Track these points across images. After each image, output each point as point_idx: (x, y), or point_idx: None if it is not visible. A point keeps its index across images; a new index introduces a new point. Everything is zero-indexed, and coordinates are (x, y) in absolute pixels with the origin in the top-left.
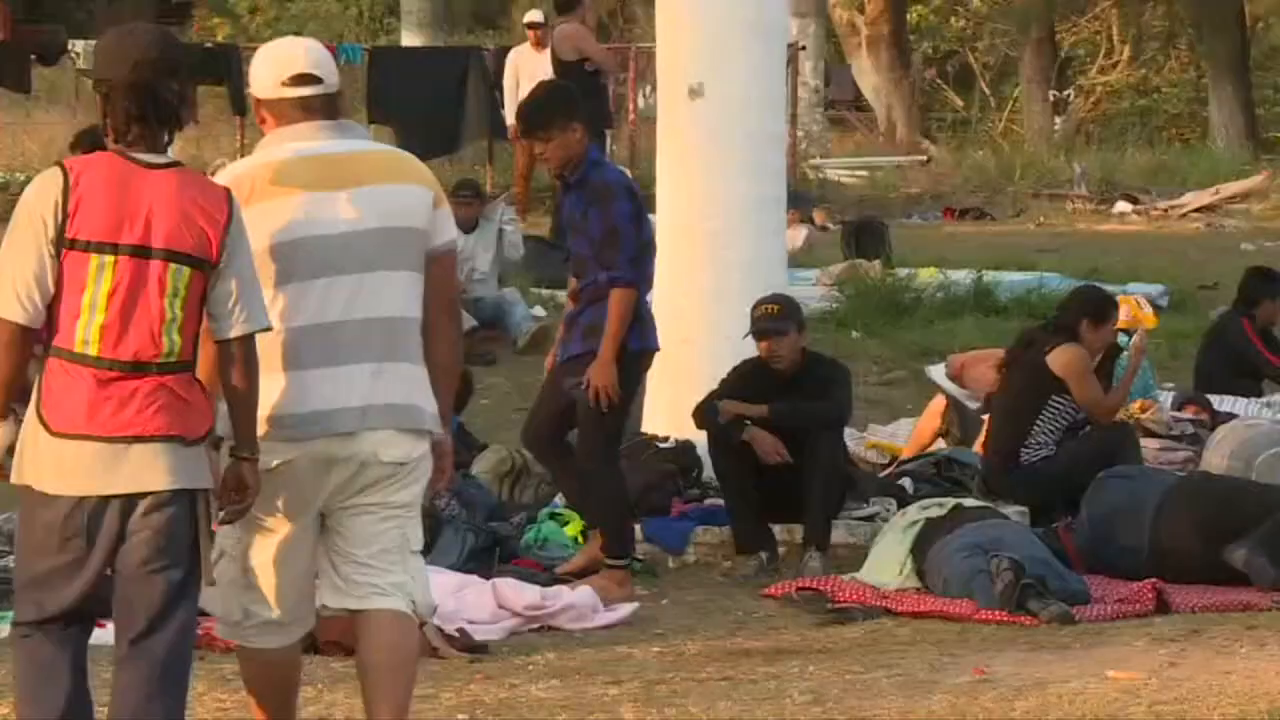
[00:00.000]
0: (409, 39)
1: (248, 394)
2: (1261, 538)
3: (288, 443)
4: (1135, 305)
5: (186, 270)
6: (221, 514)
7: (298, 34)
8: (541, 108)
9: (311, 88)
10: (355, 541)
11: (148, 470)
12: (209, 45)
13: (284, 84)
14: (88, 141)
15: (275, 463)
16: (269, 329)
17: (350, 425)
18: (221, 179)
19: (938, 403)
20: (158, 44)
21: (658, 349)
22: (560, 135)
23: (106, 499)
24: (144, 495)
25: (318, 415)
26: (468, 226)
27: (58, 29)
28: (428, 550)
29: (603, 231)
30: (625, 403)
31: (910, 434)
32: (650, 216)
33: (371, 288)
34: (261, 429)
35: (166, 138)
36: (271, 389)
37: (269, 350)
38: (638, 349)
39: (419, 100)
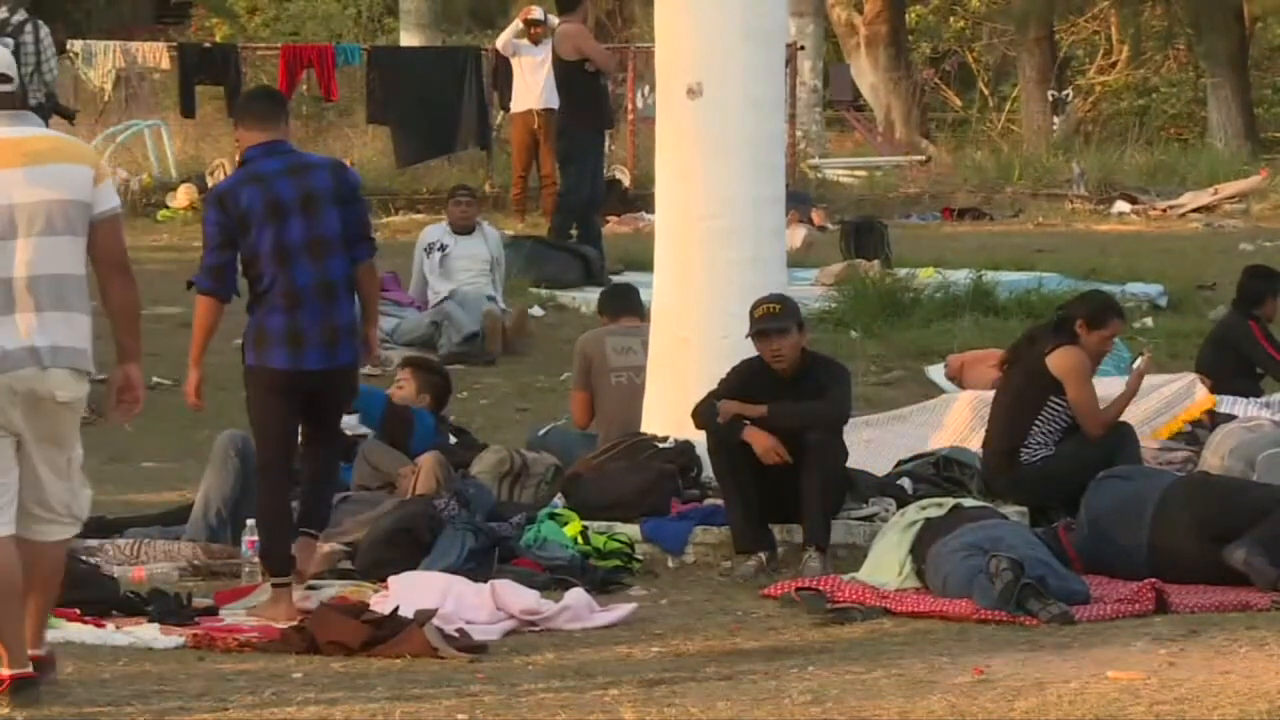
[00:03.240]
0: (407, 39)
1: None
2: (1260, 537)
3: None
4: None
5: None
6: None
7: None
8: None
9: (8, 85)
10: (39, 467)
11: None
12: (207, 45)
13: None
14: None
15: None
16: None
17: (34, 363)
18: None
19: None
20: None
21: (281, 368)
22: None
23: None
24: None
25: (6, 354)
26: (466, 229)
27: (55, 29)
28: (427, 551)
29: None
30: (258, 418)
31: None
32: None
33: (44, 249)
34: None
35: None
36: None
37: None
38: (251, 365)
39: (417, 100)
